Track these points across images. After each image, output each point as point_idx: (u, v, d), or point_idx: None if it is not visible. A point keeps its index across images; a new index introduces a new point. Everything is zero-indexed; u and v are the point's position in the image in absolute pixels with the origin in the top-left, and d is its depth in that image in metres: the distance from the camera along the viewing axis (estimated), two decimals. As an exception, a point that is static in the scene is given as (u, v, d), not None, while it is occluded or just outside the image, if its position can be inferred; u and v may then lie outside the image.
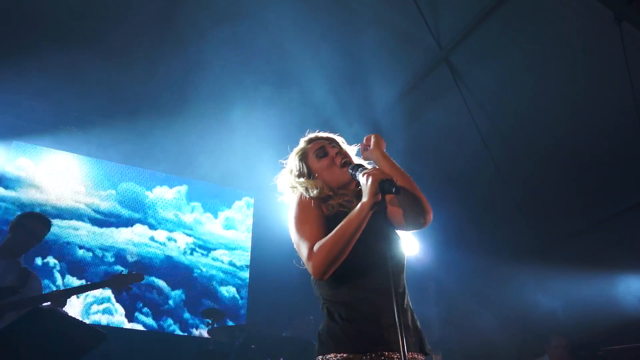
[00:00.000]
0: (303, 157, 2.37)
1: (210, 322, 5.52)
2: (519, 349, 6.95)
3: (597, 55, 4.81)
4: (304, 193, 2.22)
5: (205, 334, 6.22)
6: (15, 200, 6.18)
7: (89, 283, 4.70)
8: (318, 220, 2.10)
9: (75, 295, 4.71)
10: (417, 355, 2.01)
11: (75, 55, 5.40)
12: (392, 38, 5.29)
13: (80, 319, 5.35)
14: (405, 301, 2.09)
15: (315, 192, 2.19)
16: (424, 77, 5.65)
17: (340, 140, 2.43)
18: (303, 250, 2.01)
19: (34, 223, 4.38)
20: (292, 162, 2.39)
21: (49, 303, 4.12)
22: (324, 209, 2.16)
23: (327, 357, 1.93)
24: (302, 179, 2.29)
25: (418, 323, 2.10)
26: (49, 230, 4.49)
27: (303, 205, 2.15)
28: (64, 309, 4.24)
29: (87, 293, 5.87)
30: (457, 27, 5.04)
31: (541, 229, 6.73)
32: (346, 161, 2.27)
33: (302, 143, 2.43)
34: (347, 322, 1.95)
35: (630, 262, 6.04)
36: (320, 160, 2.31)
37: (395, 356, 1.91)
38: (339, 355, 1.90)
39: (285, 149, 2.49)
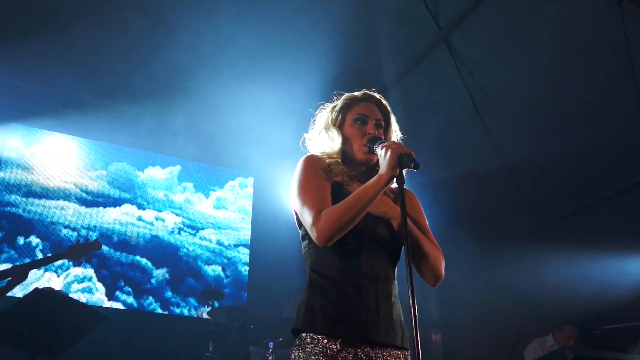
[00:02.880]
0: (347, 108, 2.24)
1: (210, 303, 5.57)
2: (518, 328, 7.01)
3: (598, 35, 4.78)
4: (316, 152, 2.19)
5: (205, 315, 6.27)
6: (1, 180, 6.18)
7: (48, 256, 4.59)
8: (325, 185, 2.03)
9: (45, 271, 4.59)
10: (401, 353, 1.95)
11: (70, 35, 5.36)
12: (391, 18, 5.25)
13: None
14: (394, 291, 2.02)
15: (329, 153, 2.16)
16: (422, 57, 5.62)
17: (393, 121, 2.29)
18: (307, 214, 1.92)
19: None
20: (335, 105, 2.28)
21: (9, 279, 4.01)
22: (328, 172, 2.08)
23: (310, 335, 1.86)
24: (331, 130, 2.20)
25: (402, 317, 2.01)
26: None
27: (310, 169, 2.06)
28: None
29: (67, 272, 5.91)
30: (456, 7, 5.00)
31: (541, 209, 6.74)
32: (369, 138, 2.12)
33: (356, 95, 2.27)
34: (328, 301, 1.89)
35: (628, 242, 6.06)
36: (353, 125, 2.19)
37: (369, 349, 1.87)
38: (315, 335, 1.86)
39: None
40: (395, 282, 2.06)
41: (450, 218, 7.06)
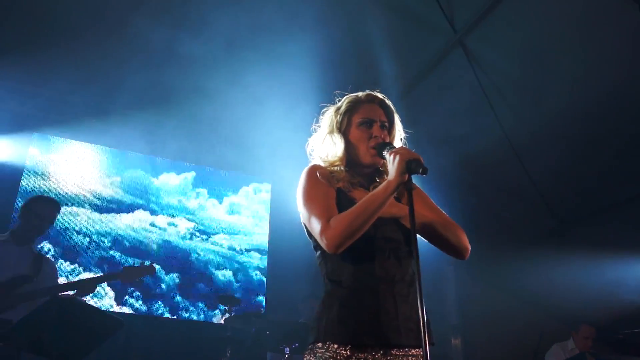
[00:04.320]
0: (351, 110, 2.21)
1: (227, 308, 5.57)
2: (539, 332, 6.93)
3: (616, 35, 4.72)
4: (320, 159, 2.19)
5: (221, 321, 6.28)
6: (17, 188, 6.28)
7: (105, 274, 4.76)
8: (330, 193, 2.04)
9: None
10: (416, 352, 1.93)
11: (87, 46, 5.47)
12: (406, 22, 5.24)
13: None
14: (411, 291, 1.99)
15: (331, 160, 2.16)
16: (438, 61, 5.59)
17: (397, 121, 2.27)
18: (315, 222, 1.93)
19: (42, 206, 4.39)
20: (339, 107, 2.25)
21: (76, 291, 4.21)
22: (330, 180, 2.09)
23: (323, 345, 1.87)
24: (335, 135, 2.19)
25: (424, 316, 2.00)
26: (58, 212, 4.51)
27: (313, 179, 2.07)
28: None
29: (77, 277, 5.96)
30: (472, 9, 4.97)
31: (561, 211, 6.66)
32: (378, 144, 2.11)
33: (360, 96, 2.25)
34: (346, 310, 1.90)
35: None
36: (359, 128, 2.17)
37: (392, 352, 1.88)
38: (335, 345, 1.86)
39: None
40: (414, 279, 2.01)
41: (469, 221, 7.01)
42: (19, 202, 6.20)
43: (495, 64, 5.43)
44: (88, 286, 4.22)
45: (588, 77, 5.18)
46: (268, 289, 7.26)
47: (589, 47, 4.92)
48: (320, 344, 1.89)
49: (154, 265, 4.70)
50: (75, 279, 5.34)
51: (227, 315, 5.53)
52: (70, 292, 4.23)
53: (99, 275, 4.61)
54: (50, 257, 4.52)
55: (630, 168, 5.80)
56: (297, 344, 5.17)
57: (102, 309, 5.80)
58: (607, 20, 4.63)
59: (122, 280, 4.50)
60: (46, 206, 4.41)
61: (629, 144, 5.53)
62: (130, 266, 4.53)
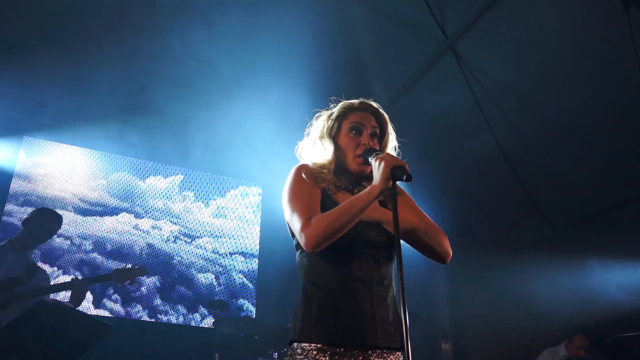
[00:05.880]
0: (342, 116, 2.24)
1: (216, 313, 5.57)
2: (531, 337, 6.94)
3: (605, 41, 4.75)
4: (309, 162, 2.20)
5: (210, 325, 6.26)
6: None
7: (95, 276, 4.83)
8: (315, 192, 2.07)
9: None
10: (395, 357, 1.94)
11: (76, 49, 5.46)
12: (397, 28, 5.25)
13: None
14: (390, 294, 2.02)
15: (321, 163, 2.17)
16: (430, 66, 5.60)
17: (390, 130, 2.28)
18: (296, 220, 1.95)
19: (46, 219, 4.57)
20: (331, 113, 2.27)
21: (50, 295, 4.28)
22: (316, 180, 2.11)
23: (301, 346, 1.89)
24: (325, 140, 2.20)
25: (403, 318, 1.95)
26: (60, 226, 4.70)
27: (299, 178, 2.10)
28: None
29: (56, 280, 5.89)
30: (463, 15, 4.98)
31: (553, 216, 6.68)
32: (365, 151, 2.12)
33: (353, 103, 2.27)
34: (323, 310, 1.92)
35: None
36: (348, 134, 2.19)
37: (369, 353, 1.89)
38: (312, 345, 1.88)
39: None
40: (392, 284, 2.06)
41: (462, 227, 7.02)
42: (8, 206, 6.18)
43: (486, 70, 5.45)
44: (80, 287, 4.25)
45: (579, 83, 5.20)
46: (258, 294, 7.23)
47: (580, 53, 4.94)
48: (299, 350, 1.90)
49: (145, 268, 4.73)
50: (53, 283, 5.37)
51: (199, 317, 5.52)
52: (61, 294, 4.25)
53: (91, 276, 4.66)
54: (43, 269, 4.62)
55: (620, 175, 5.83)
56: (286, 349, 5.15)
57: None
58: (598, 26, 4.65)
59: (114, 281, 4.57)
60: (51, 220, 4.60)
61: (619, 151, 5.55)
62: (122, 268, 4.58)
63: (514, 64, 5.31)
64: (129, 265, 4.64)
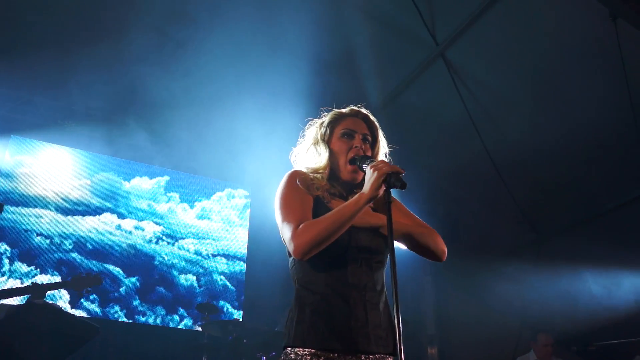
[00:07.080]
0: (334, 123, 2.25)
1: (205, 315, 5.55)
2: (515, 344, 6.96)
3: (593, 51, 4.81)
4: (304, 168, 2.20)
5: (198, 328, 6.23)
6: None
7: (56, 282, 4.76)
8: (306, 200, 2.06)
9: (9, 278, 4.72)
10: (386, 358, 1.96)
11: (64, 49, 5.45)
12: (388, 34, 5.28)
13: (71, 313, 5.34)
14: (382, 299, 2.03)
15: (315, 168, 2.18)
16: (420, 73, 5.64)
17: (381, 136, 2.29)
18: (287, 228, 1.95)
19: None
20: (323, 120, 2.28)
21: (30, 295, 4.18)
22: (310, 187, 2.11)
23: (295, 351, 1.90)
24: (319, 145, 2.22)
25: (396, 323, 1.95)
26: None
27: (292, 184, 2.10)
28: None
29: (33, 279, 5.82)
30: (454, 22, 5.04)
31: (538, 223, 6.73)
32: (355, 157, 2.14)
33: (345, 110, 2.29)
34: (317, 315, 1.92)
35: (625, 258, 6.04)
36: (340, 139, 2.20)
37: (362, 357, 1.90)
38: (306, 350, 1.88)
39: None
40: (384, 289, 2.07)
41: (447, 232, 7.06)
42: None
43: (476, 77, 5.49)
44: (36, 293, 4.18)
45: (567, 90, 5.26)
46: (246, 297, 7.21)
47: (570, 62, 5.00)
48: (292, 355, 1.90)
49: (98, 275, 4.67)
50: (27, 282, 5.31)
51: (178, 319, 5.50)
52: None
53: (47, 283, 4.60)
54: None
55: (608, 182, 5.89)
56: (274, 353, 5.16)
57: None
58: (586, 36, 4.71)
59: (72, 289, 4.53)
60: None
61: (609, 157, 5.61)
62: (78, 276, 4.53)
63: (503, 71, 5.36)
64: (98, 267, 4.58)
